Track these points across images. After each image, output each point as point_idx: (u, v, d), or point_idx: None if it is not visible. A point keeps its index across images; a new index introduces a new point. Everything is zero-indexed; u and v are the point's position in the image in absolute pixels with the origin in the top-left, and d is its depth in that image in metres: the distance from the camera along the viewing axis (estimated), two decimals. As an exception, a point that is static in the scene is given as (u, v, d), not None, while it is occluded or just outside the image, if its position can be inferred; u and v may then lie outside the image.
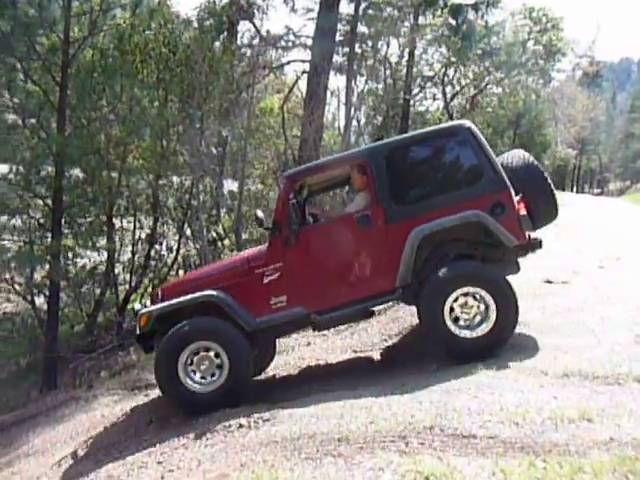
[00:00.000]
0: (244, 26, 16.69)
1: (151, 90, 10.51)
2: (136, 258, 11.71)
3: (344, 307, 4.37)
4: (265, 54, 16.04)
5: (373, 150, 4.60)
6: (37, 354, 9.71)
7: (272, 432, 3.37)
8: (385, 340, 5.79)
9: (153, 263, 12.12)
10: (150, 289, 11.32)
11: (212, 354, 4.28)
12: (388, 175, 4.38)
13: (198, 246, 12.01)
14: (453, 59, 19.67)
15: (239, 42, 16.47)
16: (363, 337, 6.10)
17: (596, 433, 2.73)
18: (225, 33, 15.36)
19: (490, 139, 23.59)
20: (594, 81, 38.83)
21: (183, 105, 10.75)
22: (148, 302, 4.81)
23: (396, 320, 6.09)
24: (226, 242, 13.31)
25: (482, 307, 4.14)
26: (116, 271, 11.32)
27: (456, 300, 4.15)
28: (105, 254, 10.89)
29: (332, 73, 14.80)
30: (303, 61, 14.91)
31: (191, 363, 4.28)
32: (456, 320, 4.15)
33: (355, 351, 5.75)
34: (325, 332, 6.28)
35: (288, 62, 17.12)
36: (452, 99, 22.30)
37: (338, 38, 14.51)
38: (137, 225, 11.79)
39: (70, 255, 10.30)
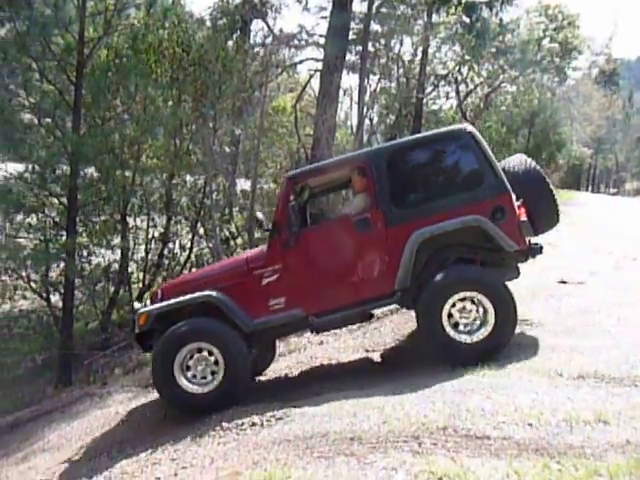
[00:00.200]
0: (257, 25, 16.82)
1: (165, 89, 10.56)
2: (149, 256, 11.81)
3: (342, 310, 4.36)
4: (278, 53, 16.09)
5: (374, 153, 4.60)
6: (52, 351, 9.80)
7: (285, 431, 3.37)
8: (398, 340, 5.77)
9: (166, 262, 12.23)
10: (163, 287, 11.37)
11: (208, 355, 4.27)
12: (389, 178, 4.36)
13: (211, 245, 12.09)
14: (467, 57, 19.47)
15: (252, 41, 16.56)
16: (375, 337, 6.09)
17: (612, 435, 2.69)
18: (238, 32, 15.42)
19: (504, 138, 23.46)
20: (611, 79, 38.40)
21: (196, 104, 10.79)
22: (148, 301, 4.83)
23: (409, 320, 6.07)
24: (239, 241, 13.37)
25: (481, 311, 4.12)
26: (130, 269, 11.41)
27: (454, 305, 4.12)
28: (119, 252, 10.99)
29: (345, 72, 14.77)
30: (316, 60, 14.94)
31: (188, 365, 4.28)
32: (455, 325, 4.13)
33: (367, 350, 5.73)
34: (337, 331, 6.27)
35: (301, 61, 17.18)
36: (466, 98, 22.10)
37: (351, 36, 14.48)
38: (150, 224, 11.88)
39: (85, 253, 10.43)
